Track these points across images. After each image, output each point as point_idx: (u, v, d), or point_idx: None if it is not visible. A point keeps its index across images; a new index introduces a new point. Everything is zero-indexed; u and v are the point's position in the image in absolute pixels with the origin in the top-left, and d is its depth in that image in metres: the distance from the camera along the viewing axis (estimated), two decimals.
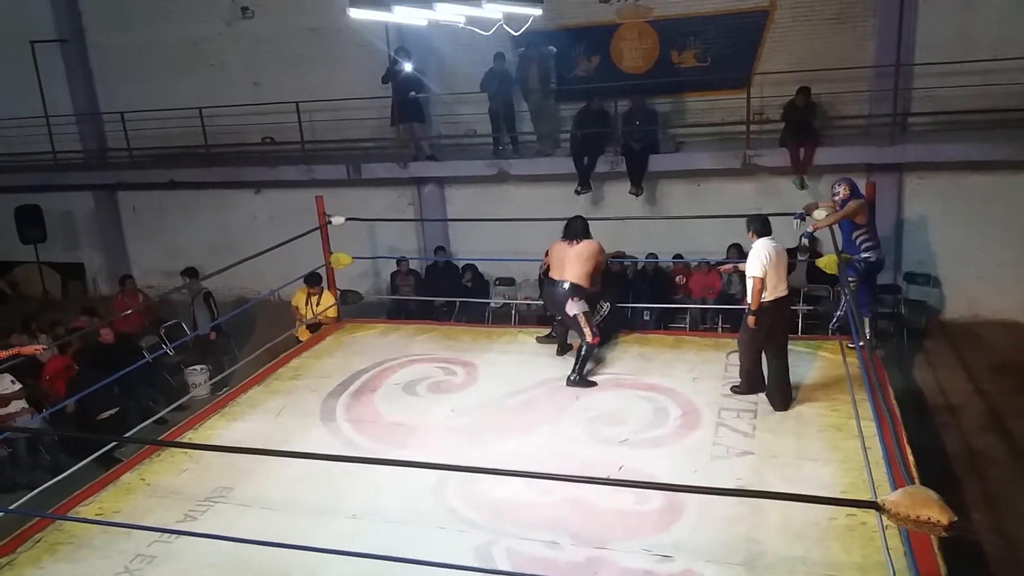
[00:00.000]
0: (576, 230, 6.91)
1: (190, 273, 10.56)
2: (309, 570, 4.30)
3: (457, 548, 4.50)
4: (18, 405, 7.87)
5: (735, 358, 6.96)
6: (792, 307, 9.14)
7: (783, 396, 6.03)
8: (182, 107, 12.24)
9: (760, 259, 5.91)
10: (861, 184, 7.46)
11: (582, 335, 6.76)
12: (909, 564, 3.94)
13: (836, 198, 7.15)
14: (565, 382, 6.65)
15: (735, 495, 4.48)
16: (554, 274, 6.92)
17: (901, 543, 4.11)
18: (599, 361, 7.12)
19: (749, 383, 6.26)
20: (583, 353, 6.73)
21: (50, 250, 13.75)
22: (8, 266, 14.75)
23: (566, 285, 6.78)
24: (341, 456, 4.70)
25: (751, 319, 6.00)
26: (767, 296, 5.96)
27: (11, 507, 4.97)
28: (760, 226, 6.11)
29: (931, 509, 2.50)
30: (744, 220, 6.38)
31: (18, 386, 7.84)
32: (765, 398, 6.13)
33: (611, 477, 5.07)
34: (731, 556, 4.31)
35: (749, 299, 5.99)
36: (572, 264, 6.81)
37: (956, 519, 2.48)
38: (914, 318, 10.00)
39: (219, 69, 12.96)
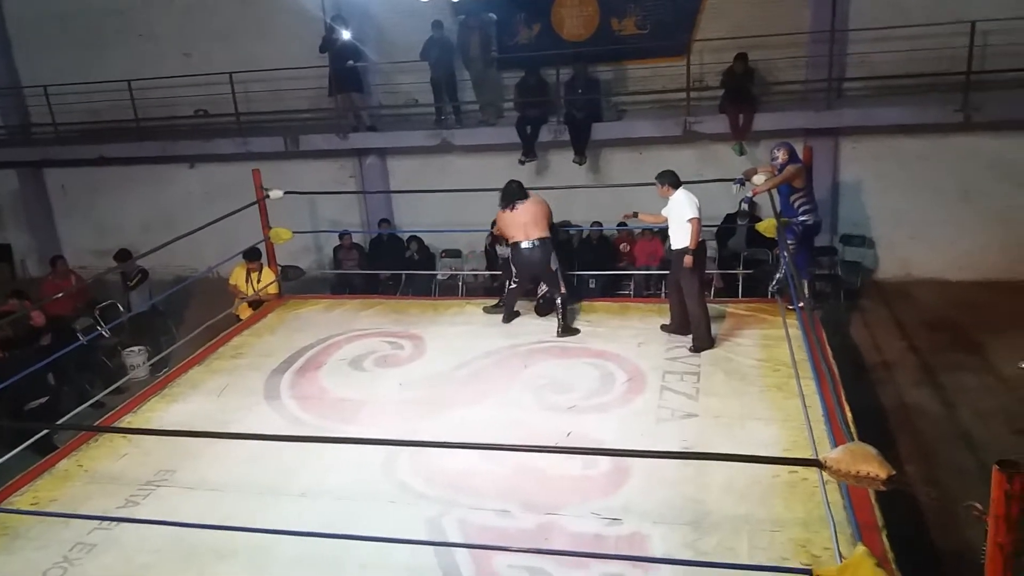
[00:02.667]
0: (515, 192, 7.05)
1: (122, 256, 10.23)
2: (258, 551, 4.23)
3: (408, 521, 4.48)
4: None
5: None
6: (733, 271, 9.41)
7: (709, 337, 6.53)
8: (110, 79, 11.76)
9: (693, 202, 6.41)
10: (799, 148, 7.58)
11: (558, 287, 7.05)
12: (849, 517, 4.08)
13: (775, 163, 7.26)
14: (556, 335, 6.96)
15: (679, 457, 4.55)
16: (519, 238, 6.99)
17: (841, 497, 4.25)
18: (545, 330, 7.15)
19: (709, 335, 6.50)
20: (563, 304, 7.03)
21: None
22: None
23: (539, 243, 6.97)
24: (286, 436, 4.63)
25: (688, 259, 6.37)
26: (701, 237, 6.48)
27: None
28: (673, 179, 6.57)
29: (870, 464, 2.57)
30: (687, 188, 6.55)
31: None
32: (707, 359, 6.28)
33: (559, 444, 5.12)
34: (678, 517, 4.38)
35: (686, 243, 6.38)
36: (533, 223, 7.00)
37: (894, 473, 2.55)
38: (850, 279, 10.28)
39: (148, 39, 12.46)
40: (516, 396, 5.95)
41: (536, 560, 4.04)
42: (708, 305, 6.76)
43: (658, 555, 4.06)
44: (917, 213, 10.36)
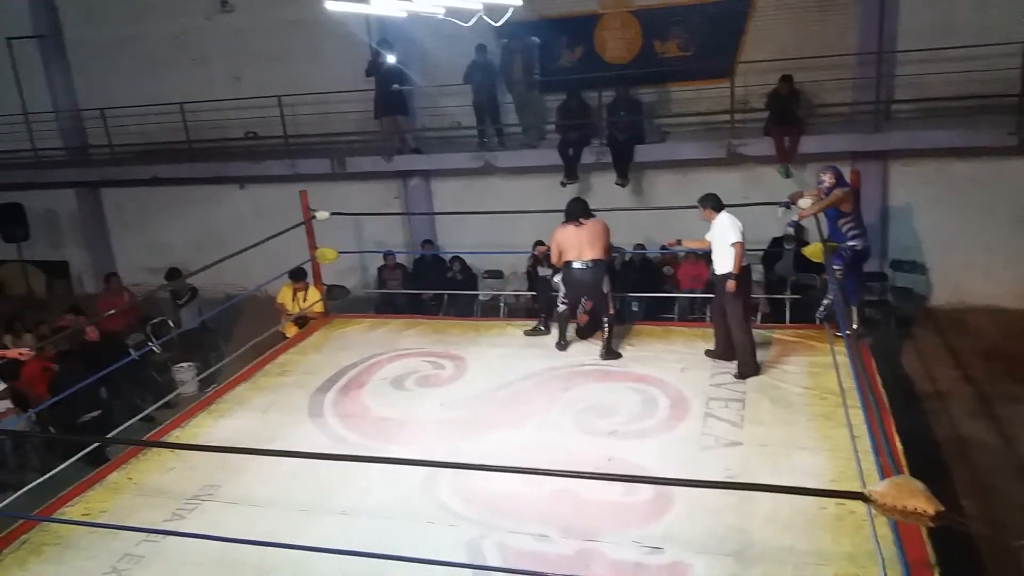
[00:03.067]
0: (579, 211, 6.98)
1: (172, 275, 10.48)
2: (298, 568, 4.28)
3: (447, 543, 4.49)
4: (3, 406, 7.80)
5: None
6: (779, 295, 9.28)
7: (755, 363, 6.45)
8: (163, 102, 12.10)
9: (736, 225, 6.36)
10: (846, 172, 7.46)
11: (607, 310, 7.00)
12: (898, 553, 3.96)
13: (821, 186, 7.14)
14: (600, 359, 6.95)
15: (719, 487, 4.47)
16: (571, 257, 6.91)
17: (890, 532, 4.14)
18: (587, 353, 7.12)
19: (754, 364, 6.41)
20: (610, 327, 7.01)
21: (34, 248, 13.64)
22: None
23: (593, 264, 6.89)
24: (327, 455, 4.67)
25: (731, 283, 6.31)
26: (745, 262, 6.45)
27: None
28: (716, 202, 6.52)
29: (917, 499, 2.50)
30: (731, 211, 6.51)
31: (2, 386, 7.76)
32: (752, 386, 6.19)
33: (600, 469, 5.08)
34: (721, 547, 4.31)
35: (729, 268, 6.33)
36: (590, 243, 6.90)
37: (943, 509, 2.48)
38: (901, 306, 10.04)
39: (200, 63, 12.84)
40: (556, 419, 5.93)
41: None
42: (754, 331, 6.69)
43: None
44: (970, 238, 10.08)
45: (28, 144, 13.26)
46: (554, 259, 7.09)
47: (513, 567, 4.20)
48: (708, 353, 6.84)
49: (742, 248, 6.33)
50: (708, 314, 9.68)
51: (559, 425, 5.85)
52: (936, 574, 3.92)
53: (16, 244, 13.05)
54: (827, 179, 7.07)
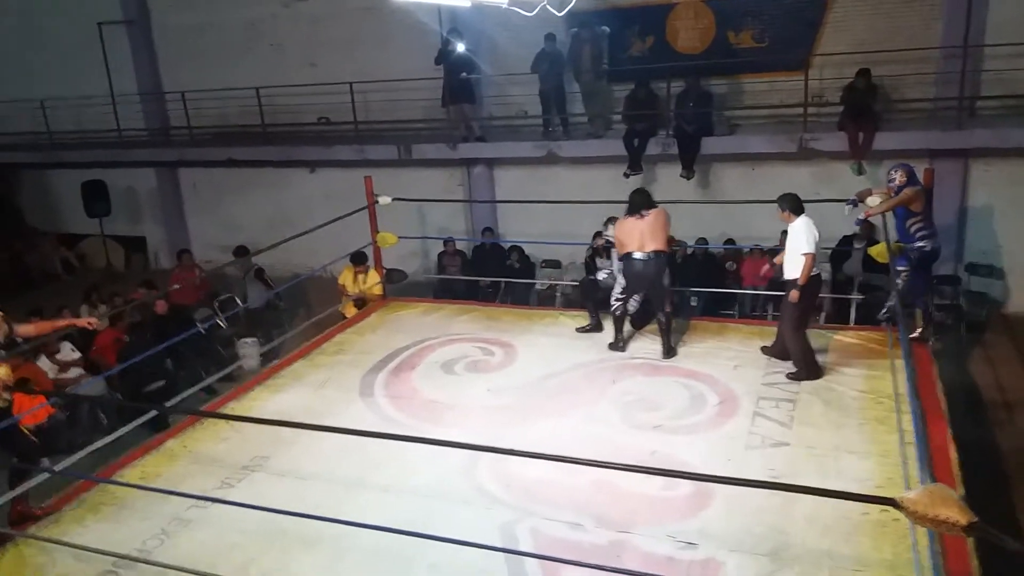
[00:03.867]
0: (643, 202, 6.81)
1: (240, 252, 10.83)
2: (338, 540, 4.38)
3: (482, 525, 4.53)
4: (76, 371, 8.21)
5: None
6: (845, 295, 9.01)
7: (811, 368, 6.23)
8: (240, 87, 12.49)
9: (812, 234, 6.08)
10: (921, 171, 7.18)
11: (664, 305, 6.87)
12: (939, 563, 3.82)
13: (892, 184, 6.88)
14: (663, 358, 6.80)
15: (744, 484, 4.23)
16: (632, 248, 6.71)
17: (935, 542, 3.99)
18: (637, 346, 7.06)
19: (807, 368, 6.20)
20: (667, 323, 6.86)
21: (114, 224, 14.30)
22: (75, 239, 15.36)
23: (654, 256, 6.69)
24: (373, 432, 4.75)
25: (794, 293, 6.11)
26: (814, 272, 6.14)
27: (58, 468, 5.18)
28: (795, 204, 6.22)
29: (950, 508, 2.40)
30: None
31: (77, 354, 8.18)
32: (805, 388, 6.02)
33: (642, 463, 5.02)
34: (757, 546, 4.24)
35: (796, 275, 6.10)
36: (652, 235, 6.69)
37: (976, 520, 2.37)
38: (975, 310, 9.65)
39: (276, 50, 13.20)
40: (602, 411, 5.90)
41: None
42: (815, 331, 6.51)
43: None
44: None
45: (113, 124, 13.87)
46: (620, 251, 6.90)
47: (545, 553, 4.20)
48: (764, 350, 6.70)
49: (813, 260, 6.07)
50: (770, 311, 9.51)
51: (605, 417, 5.82)
52: None
53: (98, 219, 13.70)
54: (898, 177, 6.81)
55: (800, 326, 6.25)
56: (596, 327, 7.46)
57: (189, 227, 14.77)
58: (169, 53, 14.08)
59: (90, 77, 14.00)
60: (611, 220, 7.23)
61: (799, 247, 6.11)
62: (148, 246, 15.23)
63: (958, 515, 2.41)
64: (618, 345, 7.02)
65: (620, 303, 7.01)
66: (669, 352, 6.83)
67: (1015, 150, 9.36)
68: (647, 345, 7.07)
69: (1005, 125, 9.37)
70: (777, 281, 9.64)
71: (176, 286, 9.45)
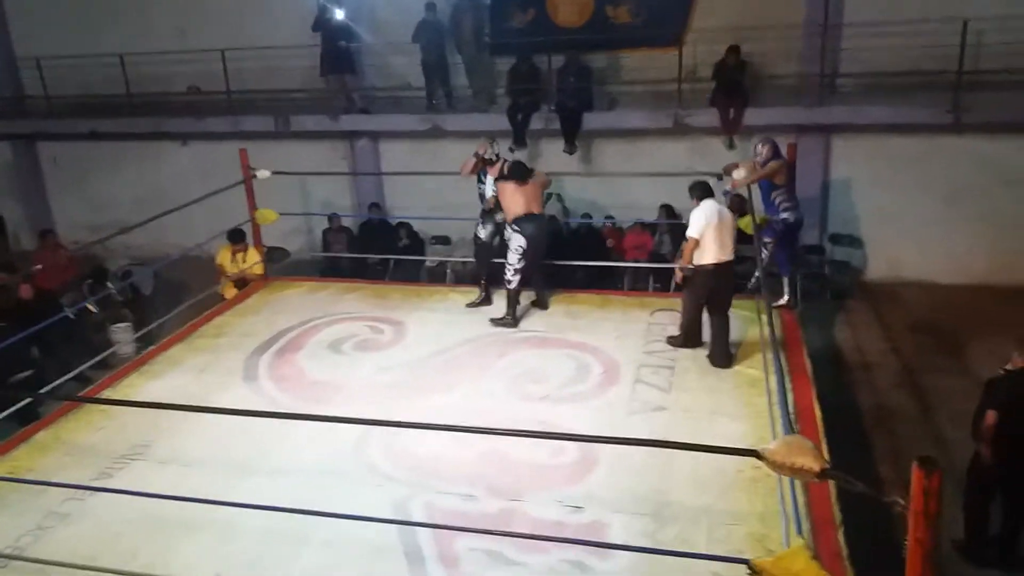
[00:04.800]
0: (527, 171, 7.20)
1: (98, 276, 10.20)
2: (226, 526, 4.32)
3: (376, 502, 4.56)
4: None
5: (659, 316, 7.16)
6: None
7: (725, 356, 6.20)
8: (104, 52, 11.73)
9: (698, 220, 5.99)
10: (783, 146, 7.59)
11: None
12: (803, 512, 4.15)
13: (758, 158, 7.29)
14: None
15: (609, 442, 4.48)
16: (521, 212, 7.06)
17: (802, 494, 4.32)
18: (524, 319, 7.21)
19: (685, 337, 6.42)
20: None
21: None
22: None
23: (546, 218, 7.27)
24: (257, 412, 4.65)
25: (678, 272, 6.21)
26: (709, 260, 6.02)
27: None
28: (701, 191, 6.22)
29: (805, 457, 2.63)
30: (677, 180, 6.51)
31: None
32: (684, 355, 6.32)
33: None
34: (639, 507, 4.46)
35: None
36: (536, 199, 7.17)
37: (827, 466, 2.61)
38: (838, 278, 10.30)
39: (142, 13, 12.42)
40: (490, 385, 6.01)
41: (497, 544, 4.11)
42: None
43: (617, 543, 4.13)
44: (907, 214, 10.33)
45: None
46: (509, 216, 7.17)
47: (437, 523, 4.28)
48: (670, 340, 6.60)
49: (694, 244, 5.99)
50: (651, 283, 9.88)
51: (493, 390, 5.93)
52: (840, 532, 4.12)
53: None
54: (764, 151, 7.22)
55: (695, 308, 6.29)
56: (486, 300, 7.57)
57: (51, 205, 13.80)
58: (21, 15, 13.03)
59: None
60: (489, 140, 7.61)
61: (688, 230, 6.08)
62: (6, 226, 14.14)
63: (812, 462, 2.64)
64: (508, 320, 7.10)
65: (519, 275, 7.09)
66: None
67: (871, 126, 9.98)
68: (534, 320, 7.20)
69: (863, 102, 9.97)
70: (657, 253, 10.09)
71: (38, 267, 8.85)
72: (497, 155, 7.50)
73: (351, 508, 4.46)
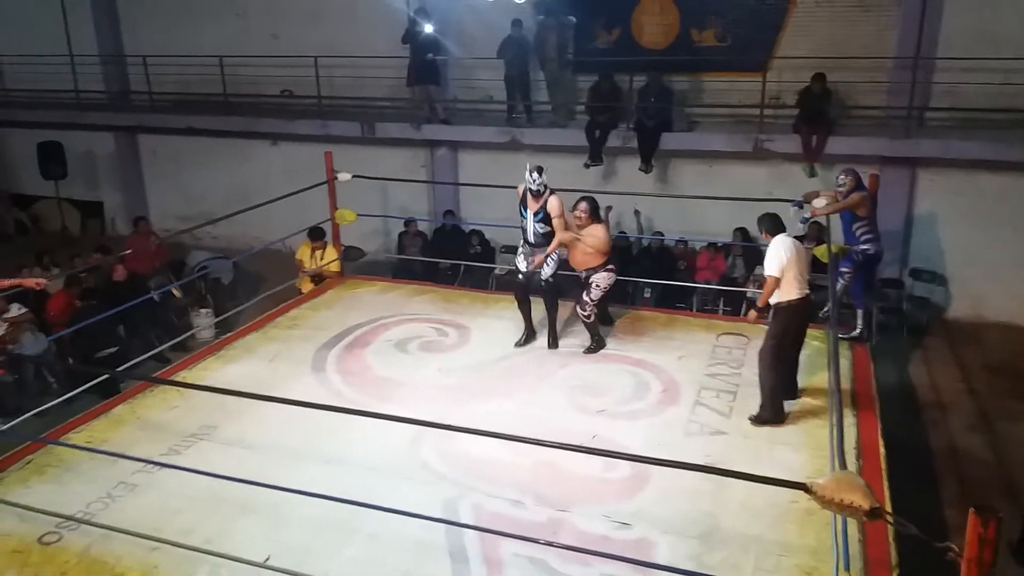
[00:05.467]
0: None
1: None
2: (280, 509, 4.47)
3: (425, 500, 4.64)
4: (27, 332, 8.12)
5: (724, 339, 7.07)
6: None
7: (792, 387, 5.92)
8: (203, 54, 12.32)
9: (778, 257, 5.53)
10: (866, 177, 7.43)
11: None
12: (859, 551, 4.04)
13: (840, 188, 7.12)
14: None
15: (666, 465, 4.38)
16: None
17: (858, 532, 4.21)
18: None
19: (773, 409, 5.62)
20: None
21: (71, 187, 14.05)
22: (29, 200, 15.03)
23: None
24: (318, 404, 4.81)
25: (752, 313, 5.91)
26: (787, 297, 5.56)
27: (5, 427, 5.16)
28: (771, 225, 5.73)
29: (854, 494, 2.58)
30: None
31: (24, 311, 8.09)
32: (748, 380, 6.19)
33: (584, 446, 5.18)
34: (688, 529, 4.43)
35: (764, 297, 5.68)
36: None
37: (877, 506, 2.56)
38: (916, 314, 9.98)
39: (242, 18, 13.00)
40: (548, 394, 6.05)
41: (541, 552, 4.14)
42: (764, 326, 5.96)
43: (662, 563, 4.10)
44: (994, 253, 9.94)
45: (71, 85, 13.58)
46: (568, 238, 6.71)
47: (484, 527, 4.33)
48: (753, 420, 5.80)
49: (774, 283, 5.52)
50: (720, 307, 9.76)
51: (550, 400, 5.97)
52: (895, 575, 4.00)
53: (54, 181, 13.43)
54: (847, 181, 7.05)
55: (776, 358, 5.64)
56: (531, 336, 7.09)
57: (148, 194, 14.53)
58: (131, 15, 13.80)
59: (48, 35, 13.67)
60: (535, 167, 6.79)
61: (765, 268, 5.63)
62: (105, 211, 14.96)
63: (862, 500, 2.59)
64: (596, 343, 6.86)
65: (593, 308, 6.77)
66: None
67: (959, 161, 9.69)
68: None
69: (951, 137, 9.67)
70: (729, 277, 9.97)
71: (127, 252, 9.34)
72: (545, 186, 6.70)
73: (401, 503, 4.57)
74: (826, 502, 2.63)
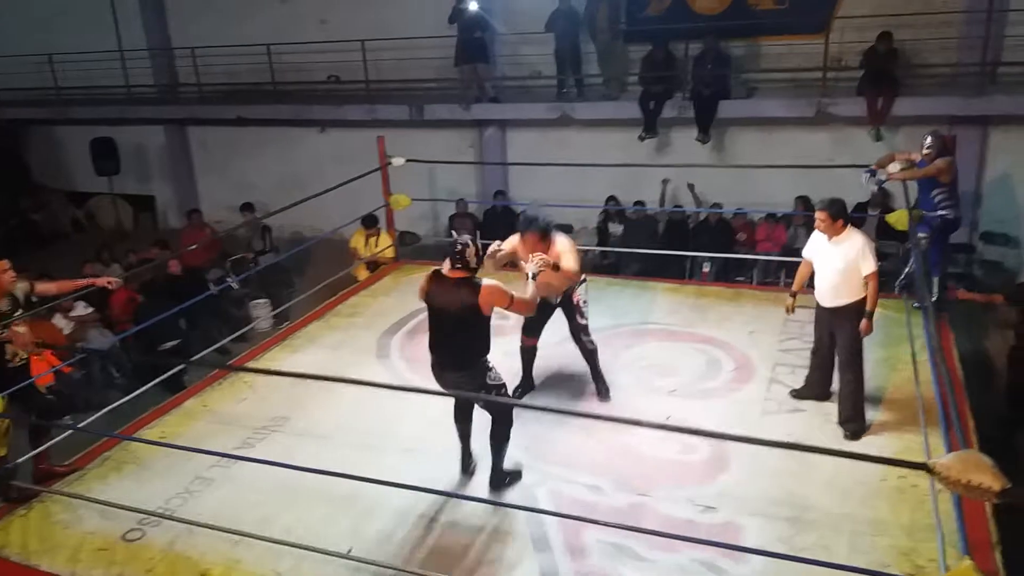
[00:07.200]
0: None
1: (247, 208, 10.80)
2: (356, 500, 4.44)
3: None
4: (94, 329, 8.26)
5: (795, 313, 6.70)
6: None
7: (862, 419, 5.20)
8: (250, 43, 12.33)
9: (873, 252, 5.00)
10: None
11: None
12: (959, 529, 3.85)
13: (927, 152, 6.73)
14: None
15: (778, 446, 4.27)
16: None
17: (952, 508, 4.01)
18: (652, 311, 7.04)
19: (863, 414, 5.10)
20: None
21: (123, 182, 14.25)
22: (84, 197, 15.31)
23: None
24: (396, 386, 4.78)
25: (865, 324, 4.99)
26: (863, 292, 5.03)
27: (81, 425, 5.21)
28: (842, 210, 5.03)
29: (983, 474, 2.42)
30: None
31: (91, 310, 8.22)
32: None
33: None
34: (776, 510, 4.28)
35: (852, 300, 5.03)
36: None
37: (1009, 486, 2.39)
38: (988, 279, 9.58)
39: (288, 5, 12.98)
40: (617, 376, 5.89)
41: (624, 538, 4.03)
42: None
43: (752, 547, 3.96)
44: None
45: (122, 81, 13.75)
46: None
47: (564, 513, 4.24)
48: (794, 393, 5.53)
49: (877, 280, 4.99)
50: (782, 279, 9.47)
51: (620, 382, 5.82)
52: (997, 553, 3.80)
53: (107, 177, 13.64)
54: (934, 144, 6.68)
55: (860, 358, 5.13)
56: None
57: (199, 186, 14.69)
58: (178, 8, 13.88)
59: (98, 32, 13.83)
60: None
61: (862, 266, 4.94)
62: (157, 205, 15.17)
63: (991, 481, 2.43)
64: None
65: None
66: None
67: None
68: (662, 313, 7.04)
69: None
70: (791, 248, 9.66)
71: (192, 247, 9.44)
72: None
73: (478, 491, 4.51)
74: (951, 483, 2.47)
